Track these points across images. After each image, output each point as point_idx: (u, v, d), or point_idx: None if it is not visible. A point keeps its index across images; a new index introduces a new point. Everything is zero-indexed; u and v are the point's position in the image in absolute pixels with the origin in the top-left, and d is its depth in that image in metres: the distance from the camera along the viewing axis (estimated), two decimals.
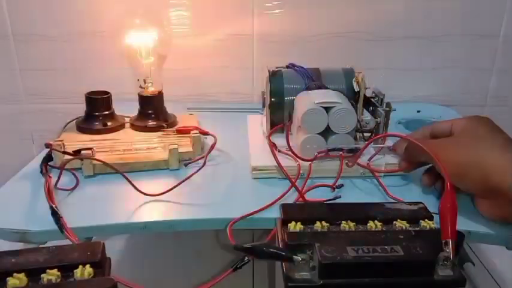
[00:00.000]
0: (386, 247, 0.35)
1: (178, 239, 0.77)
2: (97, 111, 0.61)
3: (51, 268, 0.32)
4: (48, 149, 0.52)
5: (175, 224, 0.44)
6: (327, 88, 0.57)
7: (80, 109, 0.62)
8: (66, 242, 0.40)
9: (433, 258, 0.34)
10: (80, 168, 0.52)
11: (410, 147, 0.49)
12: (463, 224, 0.42)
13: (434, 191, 0.49)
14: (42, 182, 0.48)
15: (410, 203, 0.42)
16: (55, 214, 0.42)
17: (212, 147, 0.56)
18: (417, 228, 0.38)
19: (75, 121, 0.63)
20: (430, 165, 0.49)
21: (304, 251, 0.35)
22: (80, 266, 0.32)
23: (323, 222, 0.38)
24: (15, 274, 0.31)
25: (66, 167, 0.51)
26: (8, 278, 0.31)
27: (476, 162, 0.41)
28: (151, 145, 0.57)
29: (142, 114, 0.63)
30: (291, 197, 0.47)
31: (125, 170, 0.51)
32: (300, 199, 0.47)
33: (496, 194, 0.40)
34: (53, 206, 0.43)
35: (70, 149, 0.52)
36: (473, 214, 0.44)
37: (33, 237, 0.42)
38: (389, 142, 0.56)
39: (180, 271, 0.70)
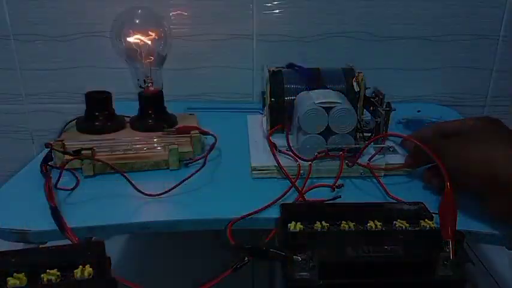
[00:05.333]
0: (386, 247, 0.35)
1: (179, 239, 0.77)
2: (97, 111, 0.61)
3: (51, 268, 0.32)
4: (48, 149, 0.52)
5: (175, 224, 0.44)
6: (327, 88, 0.57)
7: (80, 109, 0.62)
8: (66, 242, 0.40)
9: (433, 258, 0.34)
10: (80, 168, 0.52)
11: (417, 147, 0.49)
12: (463, 224, 0.42)
13: (434, 191, 0.49)
14: (42, 182, 0.48)
15: (410, 203, 0.42)
16: (55, 214, 0.42)
17: (212, 147, 0.56)
18: (417, 228, 0.38)
19: (75, 121, 0.63)
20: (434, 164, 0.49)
21: (304, 251, 0.35)
22: (80, 266, 0.32)
23: (323, 222, 0.38)
24: (15, 274, 0.31)
25: (66, 167, 0.51)
26: (8, 278, 0.31)
27: (484, 160, 0.41)
28: (151, 145, 0.57)
29: (143, 114, 0.63)
30: (291, 197, 0.47)
31: (125, 170, 0.51)
32: (300, 199, 0.47)
33: (503, 192, 0.40)
34: (53, 205, 0.43)
35: (70, 149, 0.52)
36: (473, 214, 0.44)
37: (33, 237, 0.42)
38: (389, 142, 0.56)
39: (180, 271, 0.70)
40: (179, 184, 0.49)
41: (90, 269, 0.32)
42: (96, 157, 0.52)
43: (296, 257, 0.34)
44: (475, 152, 0.42)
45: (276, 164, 0.51)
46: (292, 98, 0.57)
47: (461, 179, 0.42)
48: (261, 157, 0.54)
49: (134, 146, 0.57)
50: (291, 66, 0.61)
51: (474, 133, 0.45)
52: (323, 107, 0.51)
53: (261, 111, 0.71)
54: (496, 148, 0.42)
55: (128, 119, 0.64)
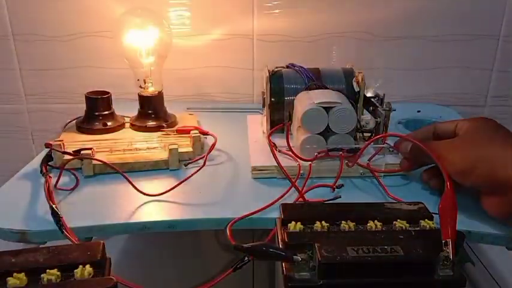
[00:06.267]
0: (386, 247, 0.35)
1: (178, 239, 0.77)
2: (97, 111, 0.61)
3: (51, 268, 0.32)
4: (48, 149, 0.52)
5: (175, 224, 0.44)
6: (327, 88, 0.57)
7: (80, 109, 0.62)
8: (66, 242, 0.40)
9: (433, 258, 0.34)
10: (80, 168, 0.52)
11: (415, 148, 0.48)
12: (463, 224, 0.42)
13: (434, 191, 0.49)
14: (42, 182, 0.48)
15: (410, 203, 0.42)
16: (55, 214, 0.42)
17: (212, 147, 0.56)
18: (417, 228, 0.38)
19: (75, 121, 0.63)
20: (432, 165, 0.49)
21: (304, 251, 0.35)
22: (80, 266, 0.32)
23: (323, 222, 0.38)
24: (15, 274, 0.31)
25: (66, 167, 0.51)
26: (8, 278, 0.31)
27: (483, 158, 0.41)
28: (151, 145, 0.57)
29: (142, 114, 0.63)
30: (291, 197, 0.47)
31: (124, 170, 0.51)
32: (300, 199, 0.47)
33: (503, 189, 0.40)
34: (53, 206, 0.43)
35: (70, 149, 0.52)
36: (473, 214, 0.44)
37: (33, 237, 0.42)
38: (389, 142, 0.56)
39: (180, 271, 0.70)
40: (179, 184, 0.49)
41: (90, 269, 0.32)
42: (95, 157, 0.52)
43: (296, 257, 0.34)
44: (472, 152, 0.43)
45: (276, 164, 0.51)
46: (292, 98, 0.57)
47: (461, 180, 0.42)
48: (260, 157, 0.54)
49: (134, 146, 0.57)
50: (291, 66, 0.61)
51: (470, 134, 0.45)
52: (323, 107, 0.51)
53: (261, 111, 0.71)
54: (493, 146, 0.42)
55: (127, 119, 0.64)
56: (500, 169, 0.40)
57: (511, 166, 0.39)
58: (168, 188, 0.48)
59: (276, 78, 0.59)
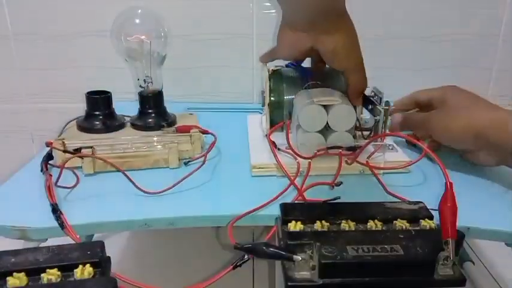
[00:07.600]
0: (386, 247, 0.35)
1: (179, 238, 0.77)
2: (97, 111, 0.61)
3: (51, 268, 0.32)
4: (49, 148, 0.52)
5: (175, 221, 0.44)
6: (326, 87, 0.57)
7: (80, 109, 0.62)
8: (67, 239, 0.40)
9: (433, 258, 0.34)
10: (81, 167, 0.52)
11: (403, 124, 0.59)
12: (462, 219, 0.42)
13: (434, 190, 0.49)
14: (42, 180, 0.48)
15: (410, 203, 0.42)
16: (55, 211, 0.42)
17: (212, 145, 0.56)
18: (417, 228, 0.38)
19: (75, 121, 0.63)
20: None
21: (304, 251, 0.35)
22: (80, 266, 0.32)
23: (323, 221, 0.38)
24: (15, 274, 0.31)
25: (66, 165, 0.51)
26: (8, 278, 0.31)
27: (471, 123, 0.49)
28: (151, 144, 0.57)
29: (142, 114, 0.63)
30: (291, 195, 0.47)
31: (125, 169, 0.51)
32: (300, 197, 0.47)
33: (493, 148, 0.48)
34: (53, 203, 0.43)
35: (70, 147, 0.52)
36: (472, 210, 0.44)
37: (34, 234, 0.42)
38: (388, 141, 0.56)
39: (180, 270, 0.70)
40: (180, 182, 0.49)
41: (90, 268, 0.32)
42: (96, 155, 0.52)
43: (296, 256, 0.34)
44: (461, 118, 0.51)
45: (276, 162, 0.51)
46: (292, 96, 0.57)
47: (450, 143, 0.52)
48: (260, 155, 0.54)
49: (134, 145, 0.57)
50: (290, 65, 0.61)
51: (450, 103, 0.54)
52: (322, 105, 0.51)
53: (260, 111, 0.71)
54: (479, 111, 0.51)
55: (128, 119, 0.64)
56: (488, 132, 0.47)
57: (497, 128, 0.47)
58: (168, 186, 0.48)
59: (275, 77, 0.59)
